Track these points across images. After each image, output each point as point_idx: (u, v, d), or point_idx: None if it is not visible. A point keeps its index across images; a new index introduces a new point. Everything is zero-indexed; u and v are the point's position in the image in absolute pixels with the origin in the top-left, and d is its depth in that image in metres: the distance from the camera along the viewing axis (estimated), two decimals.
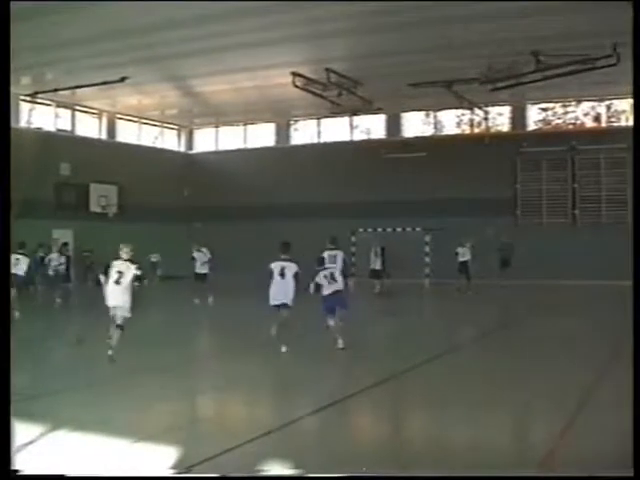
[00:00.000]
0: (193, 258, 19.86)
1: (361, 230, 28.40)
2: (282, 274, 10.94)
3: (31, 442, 5.88)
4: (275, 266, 11.02)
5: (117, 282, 10.61)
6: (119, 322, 10.54)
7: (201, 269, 19.66)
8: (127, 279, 10.58)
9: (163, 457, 5.61)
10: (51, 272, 19.83)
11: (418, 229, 28.18)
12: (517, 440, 6.82)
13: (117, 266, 10.70)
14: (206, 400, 8.47)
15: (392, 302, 21.36)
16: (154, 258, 26.72)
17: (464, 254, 22.65)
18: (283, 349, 10.75)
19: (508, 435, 7.00)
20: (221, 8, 16.90)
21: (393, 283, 24.02)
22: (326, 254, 13.33)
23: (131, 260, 10.76)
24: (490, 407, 7.47)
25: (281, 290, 10.89)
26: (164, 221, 29.72)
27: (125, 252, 10.80)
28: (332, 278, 11.14)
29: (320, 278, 11.04)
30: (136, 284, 10.76)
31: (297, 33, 19.14)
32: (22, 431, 5.95)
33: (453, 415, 7.17)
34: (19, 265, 15.84)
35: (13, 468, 4.35)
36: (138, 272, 10.65)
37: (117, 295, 10.64)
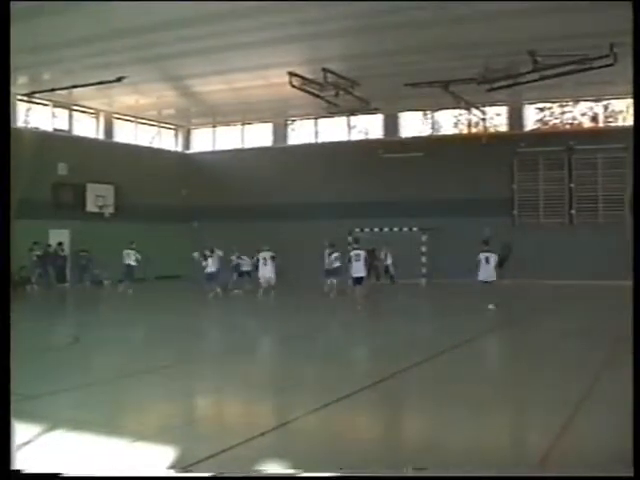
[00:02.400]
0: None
1: (357, 230, 28.40)
2: (357, 259, 17.55)
3: (31, 442, 5.88)
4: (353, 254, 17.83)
5: (265, 264, 20.49)
6: (272, 284, 20.52)
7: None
8: (270, 261, 20.52)
9: (166, 456, 5.62)
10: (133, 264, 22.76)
11: (415, 229, 28.21)
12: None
13: (263, 255, 20.63)
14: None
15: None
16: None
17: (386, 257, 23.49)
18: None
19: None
20: (218, 8, 16.90)
21: (387, 283, 24.08)
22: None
23: (269, 250, 20.59)
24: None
25: (360, 269, 17.47)
26: (161, 221, 29.70)
27: (265, 248, 20.68)
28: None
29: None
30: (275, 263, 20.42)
31: (294, 33, 19.15)
32: (22, 431, 5.96)
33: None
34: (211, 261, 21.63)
35: (13, 468, 4.34)
36: (273, 254, 20.50)
37: (267, 271, 20.36)
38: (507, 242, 25.42)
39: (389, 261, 25.10)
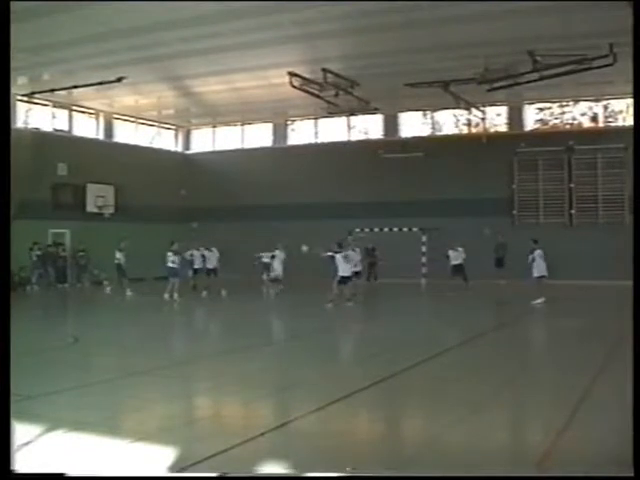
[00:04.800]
0: (203, 256, 22.94)
1: (358, 230, 28.43)
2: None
3: (31, 442, 5.88)
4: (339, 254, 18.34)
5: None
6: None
7: (210, 264, 22.77)
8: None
9: (166, 456, 5.62)
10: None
11: (415, 229, 28.22)
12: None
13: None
14: None
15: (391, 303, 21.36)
16: (266, 259, 24.10)
17: (456, 257, 22.47)
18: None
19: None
20: (218, 9, 16.92)
21: (389, 283, 24.07)
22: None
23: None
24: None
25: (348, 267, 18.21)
26: (161, 221, 29.69)
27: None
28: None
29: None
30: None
31: (294, 33, 19.16)
32: (22, 431, 5.96)
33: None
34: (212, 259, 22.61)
35: (13, 468, 4.35)
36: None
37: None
38: (502, 242, 25.50)
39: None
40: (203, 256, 22.99)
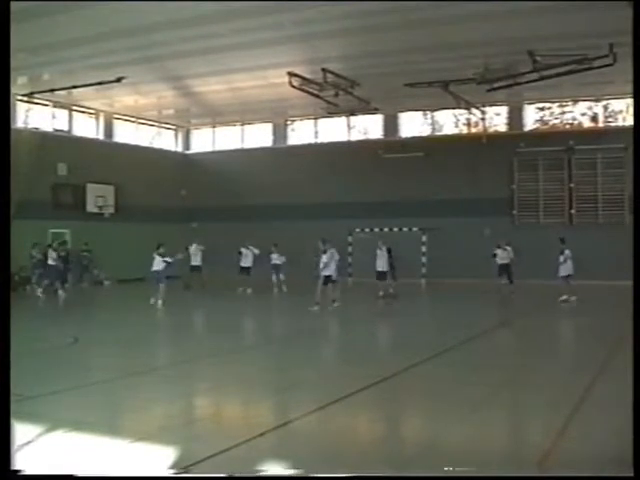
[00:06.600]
0: (240, 253, 23.42)
1: (358, 230, 28.44)
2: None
3: (31, 442, 5.88)
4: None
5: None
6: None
7: (245, 263, 23.35)
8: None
9: (166, 456, 5.62)
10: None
11: (415, 229, 28.22)
12: None
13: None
14: None
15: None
16: (277, 261, 23.66)
17: (504, 257, 21.83)
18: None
19: None
20: (218, 9, 16.90)
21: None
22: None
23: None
24: None
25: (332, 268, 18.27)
26: (161, 221, 29.68)
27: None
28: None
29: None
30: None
31: (293, 33, 19.12)
32: (22, 431, 5.96)
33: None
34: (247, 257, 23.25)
35: (13, 468, 4.35)
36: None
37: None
38: (506, 241, 25.45)
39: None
40: (239, 253, 23.34)
